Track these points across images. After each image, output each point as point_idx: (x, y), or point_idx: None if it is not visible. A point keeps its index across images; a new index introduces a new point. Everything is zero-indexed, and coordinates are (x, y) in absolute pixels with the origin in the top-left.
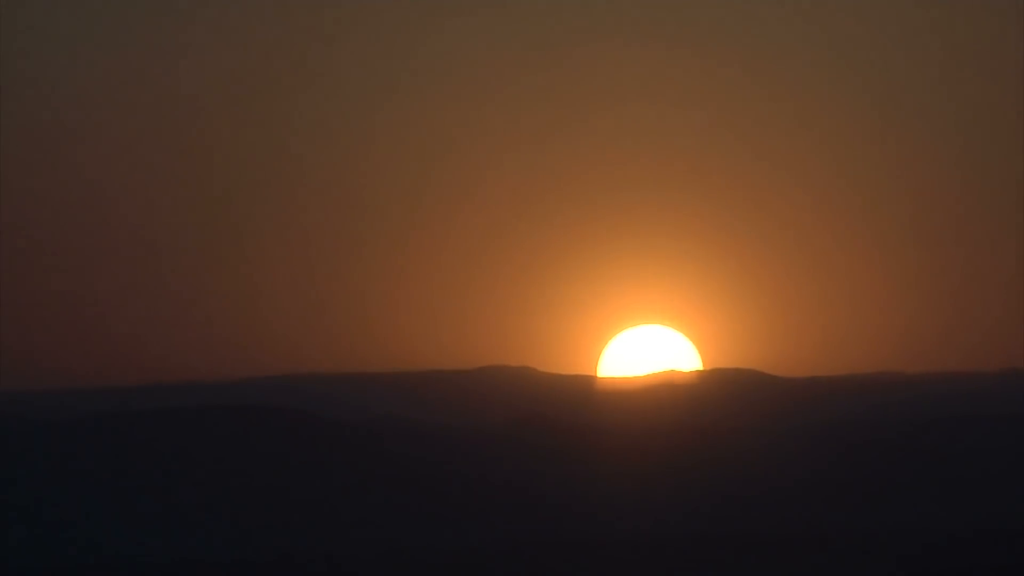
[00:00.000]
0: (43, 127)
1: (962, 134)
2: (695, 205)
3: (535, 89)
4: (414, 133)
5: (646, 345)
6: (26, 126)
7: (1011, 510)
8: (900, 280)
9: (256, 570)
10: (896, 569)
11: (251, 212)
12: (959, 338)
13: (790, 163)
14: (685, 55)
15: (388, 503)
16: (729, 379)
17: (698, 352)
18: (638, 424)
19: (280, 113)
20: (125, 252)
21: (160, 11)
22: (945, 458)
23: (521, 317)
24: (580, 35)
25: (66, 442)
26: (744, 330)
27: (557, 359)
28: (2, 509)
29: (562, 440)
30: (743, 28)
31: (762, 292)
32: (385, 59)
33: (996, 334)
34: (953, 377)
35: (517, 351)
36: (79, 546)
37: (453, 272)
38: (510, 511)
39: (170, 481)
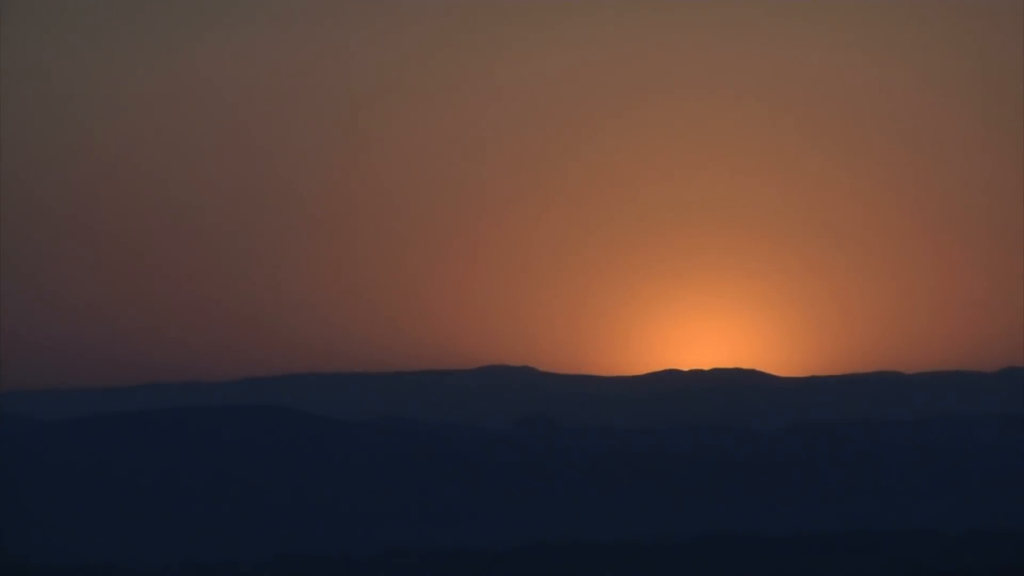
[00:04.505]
0: (43, 129)
1: (962, 135)
2: (693, 204)
3: (531, 90)
4: (419, 134)
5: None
6: (26, 127)
7: (1011, 510)
8: (900, 280)
9: (257, 569)
10: (896, 569)
11: (251, 213)
12: (959, 338)
13: (791, 167)
14: (680, 54)
15: (388, 503)
16: (729, 378)
17: (698, 351)
18: (639, 423)
19: (285, 115)
20: (125, 253)
21: (181, 16)
22: (945, 458)
23: (522, 317)
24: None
25: (66, 442)
26: (745, 330)
27: (558, 359)
28: (2, 509)
29: (563, 439)
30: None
31: (762, 292)
32: (392, 57)
33: (996, 334)
34: (953, 377)
35: (518, 351)
36: (79, 545)
37: (454, 272)
38: (510, 511)
39: (170, 481)
